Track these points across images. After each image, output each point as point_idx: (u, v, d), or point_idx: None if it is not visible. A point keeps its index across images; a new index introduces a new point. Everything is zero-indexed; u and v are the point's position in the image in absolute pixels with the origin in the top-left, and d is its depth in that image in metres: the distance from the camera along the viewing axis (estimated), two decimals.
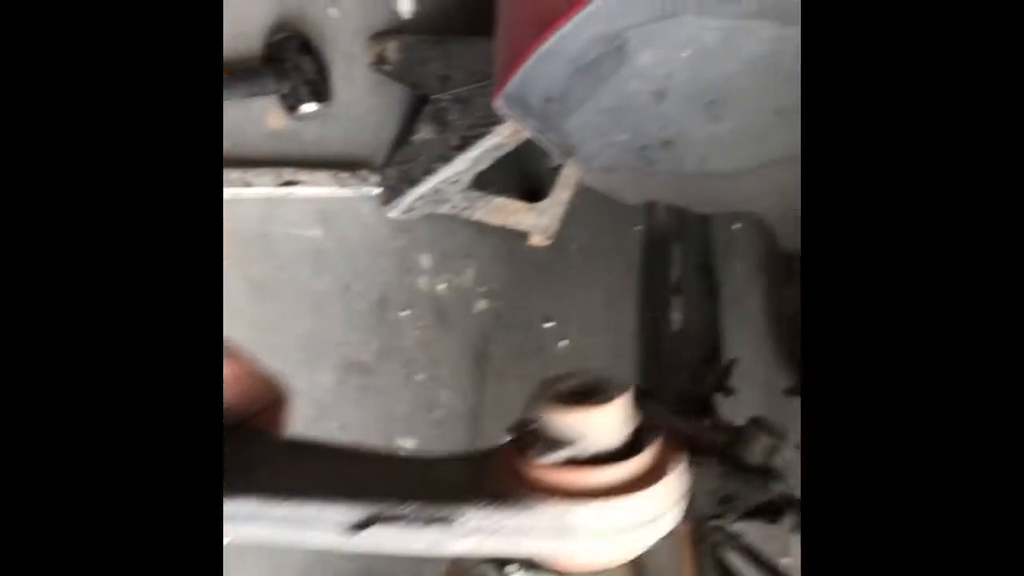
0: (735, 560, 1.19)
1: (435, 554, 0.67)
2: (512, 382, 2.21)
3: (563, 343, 2.33)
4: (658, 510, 0.63)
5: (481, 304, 2.21)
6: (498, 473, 0.68)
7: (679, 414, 1.22)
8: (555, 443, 0.64)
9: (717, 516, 1.16)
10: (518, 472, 0.65)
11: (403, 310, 2.05)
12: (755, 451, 1.18)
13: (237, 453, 0.67)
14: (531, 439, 0.65)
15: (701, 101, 1.48)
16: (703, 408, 1.41)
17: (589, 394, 0.69)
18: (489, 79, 2.15)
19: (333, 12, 2.04)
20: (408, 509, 0.65)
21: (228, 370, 0.68)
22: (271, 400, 0.73)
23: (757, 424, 1.20)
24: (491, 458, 0.70)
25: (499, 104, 1.47)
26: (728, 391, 1.43)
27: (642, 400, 1.23)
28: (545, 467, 0.64)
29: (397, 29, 2.13)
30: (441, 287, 2.13)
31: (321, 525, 0.66)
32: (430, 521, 0.66)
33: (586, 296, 2.41)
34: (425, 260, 2.12)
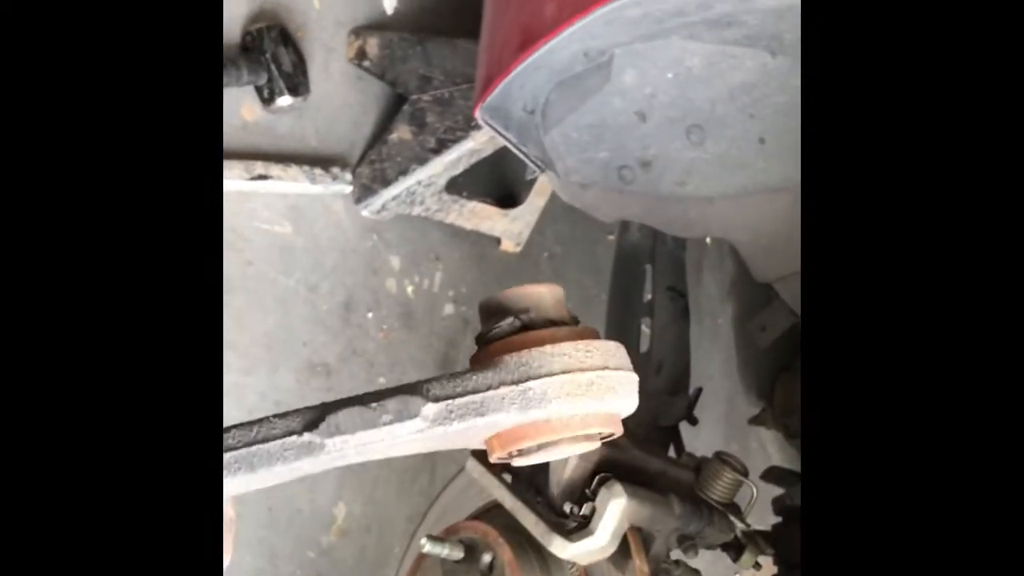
0: None
1: (404, 436, 0.65)
2: None
3: None
4: (604, 361, 0.65)
5: (448, 308, 2.19)
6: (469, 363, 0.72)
7: (643, 446, 1.21)
8: (510, 314, 0.68)
9: (679, 550, 1.15)
10: (483, 355, 0.68)
11: (369, 311, 2.02)
12: (718, 488, 1.17)
13: None
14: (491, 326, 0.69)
15: (683, 124, 1.46)
16: (668, 437, 1.40)
17: None
18: (469, 82, 2.12)
19: (315, 2, 1.99)
20: (361, 396, 0.66)
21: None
22: None
23: (721, 460, 1.19)
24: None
25: (479, 115, 1.44)
26: (693, 421, 1.42)
27: None
28: (505, 336, 0.67)
29: (379, 25, 2.09)
30: (409, 289, 2.11)
31: (277, 434, 0.64)
32: (392, 395, 0.65)
33: None
34: (394, 261, 2.09)
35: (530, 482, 1.16)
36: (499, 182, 2.24)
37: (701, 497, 1.16)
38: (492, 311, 0.69)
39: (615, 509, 1.05)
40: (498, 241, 2.24)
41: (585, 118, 1.51)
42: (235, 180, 1.82)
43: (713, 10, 1.21)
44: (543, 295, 0.71)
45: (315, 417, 0.66)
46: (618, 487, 1.06)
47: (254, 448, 0.63)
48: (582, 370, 0.65)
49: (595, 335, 0.70)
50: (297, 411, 0.67)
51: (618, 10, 1.11)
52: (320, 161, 1.96)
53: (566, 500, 1.09)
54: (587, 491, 1.08)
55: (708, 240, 2.66)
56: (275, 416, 0.67)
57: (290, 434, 0.65)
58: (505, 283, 2.28)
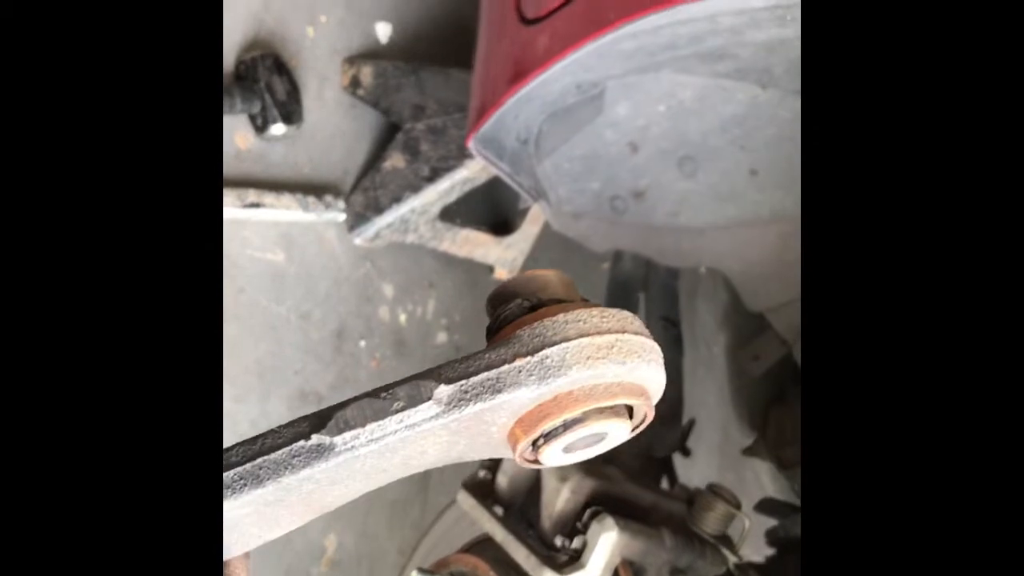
0: None
1: (419, 424, 0.60)
2: None
3: None
4: (622, 326, 0.61)
5: (441, 336, 2.18)
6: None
7: (635, 478, 1.20)
8: (519, 296, 0.65)
9: None
10: (495, 339, 0.64)
11: (362, 339, 2.01)
12: (710, 521, 1.16)
13: None
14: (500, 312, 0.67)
15: (675, 156, 1.47)
16: (661, 469, 1.39)
17: None
18: (463, 111, 2.14)
19: (310, 31, 2.01)
20: (371, 390, 0.61)
21: None
22: None
23: (713, 492, 1.18)
24: None
25: (472, 145, 1.45)
26: (686, 452, 1.41)
27: (599, 463, 1.21)
28: (516, 317, 0.64)
29: (373, 53, 2.10)
30: (402, 317, 2.10)
31: (283, 442, 0.58)
32: (404, 383, 0.61)
33: None
34: (387, 289, 2.08)
35: (521, 515, 1.15)
36: (493, 210, 2.25)
37: (693, 530, 1.16)
38: (501, 299, 0.65)
39: (607, 543, 1.04)
40: (491, 269, 2.24)
41: (577, 149, 1.52)
42: (228, 208, 1.82)
43: (705, 44, 1.22)
44: (551, 277, 0.68)
45: (322, 417, 0.61)
46: (609, 520, 1.05)
47: (259, 460, 0.59)
48: (600, 333, 0.61)
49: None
50: (304, 417, 0.62)
51: (611, 44, 1.12)
52: (313, 189, 1.97)
53: (557, 533, 1.09)
54: (578, 524, 1.07)
55: (703, 269, 2.66)
56: (280, 426, 0.62)
57: (297, 439, 0.59)
58: None
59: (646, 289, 1.66)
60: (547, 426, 0.61)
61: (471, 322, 2.23)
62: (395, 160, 2.01)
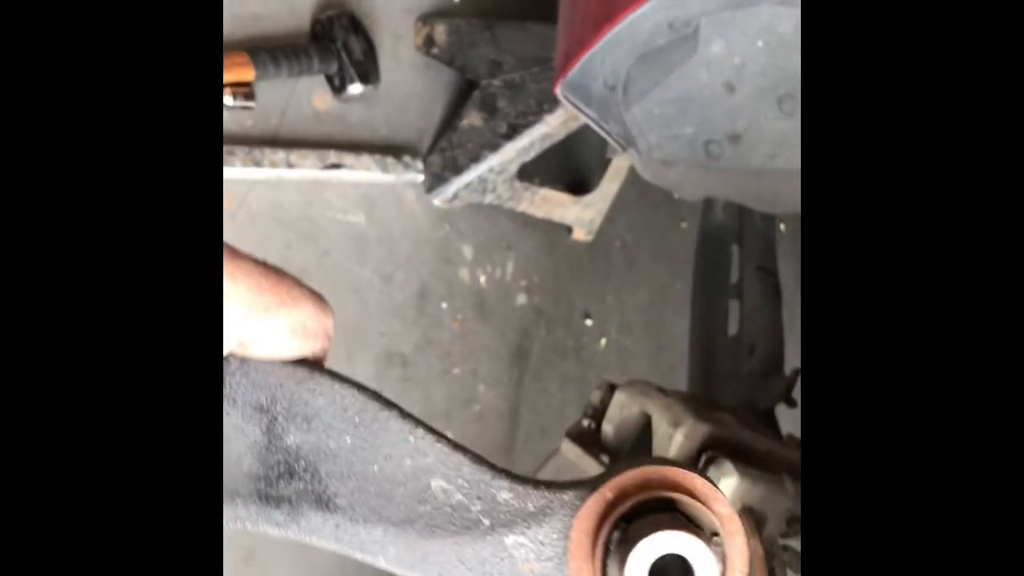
0: None
1: None
2: (550, 381, 2.14)
3: (603, 341, 2.26)
4: None
5: (521, 298, 2.15)
6: None
7: (749, 425, 1.15)
8: None
9: (787, 536, 1.09)
10: None
11: (443, 301, 1.99)
12: None
13: None
14: None
15: (774, 94, 1.41)
16: (765, 422, 1.34)
17: None
18: (541, 66, 2.09)
19: None
20: None
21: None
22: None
23: None
24: None
25: (560, 91, 1.40)
26: (792, 403, 1.35)
27: (711, 410, 1.17)
28: None
29: (446, 11, 2.06)
30: (482, 279, 2.07)
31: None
32: None
33: (628, 295, 2.34)
34: (467, 251, 2.05)
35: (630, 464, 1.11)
36: (570, 169, 2.20)
37: None
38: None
39: (726, 489, 1.00)
40: (569, 230, 2.20)
41: (669, 92, 1.46)
42: (309, 169, 1.80)
43: None
44: None
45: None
46: (728, 465, 1.01)
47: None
48: None
49: None
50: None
51: None
52: (391, 150, 1.94)
53: None
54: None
55: (782, 227, 2.59)
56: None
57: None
58: (577, 273, 2.24)
59: (740, 239, 1.60)
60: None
61: (550, 285, 2.19)
62: (472, 119, 1.97)
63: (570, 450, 1.15)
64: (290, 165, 1.77)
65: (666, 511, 0.47)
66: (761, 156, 1.45)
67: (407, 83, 1.99)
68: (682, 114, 1.46)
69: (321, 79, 1.86)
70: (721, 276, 1.60)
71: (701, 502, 0.47)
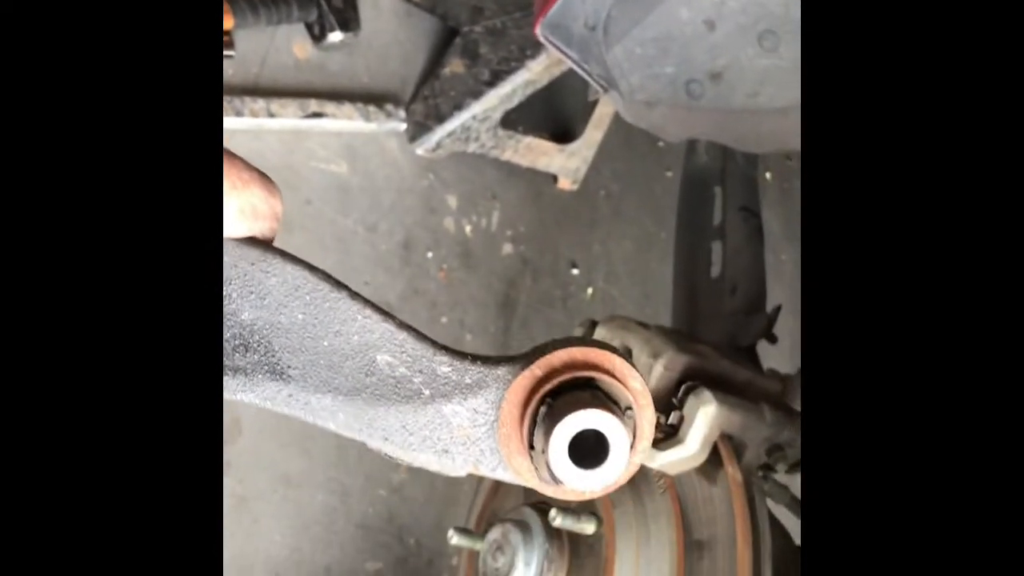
0: (783, 512, 1.14)
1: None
2: (537, 330, 2.15)
3: (589, 290, 2.27)
4: None
5: (507, 248, 2.15)
6: None
7: (729, 356, 1.16)
8: None
9: (767, 466, 1.10)
10: None
11: (428, 251, 1.99)
12: None
13: None
14: None
15: (755, 30, 1.40)
16: (747, 358, 1.35)
17: None
18: (522, 11, 2.07)
19: None
20: None
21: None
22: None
23: None
24: None
25: (539, 31, 1.39)
26: (773, 339, 1.36)
27: (692, 343, 1.18)
28: None
29: None
30: (467, 228, 2.07)
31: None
32: None
33: (614, 244, 2.35)
34: (451, 200, 2.05)
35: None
36: (554, 116, 2.19)
37: (790, 407, 1.12)
38: None
39: (705, 416, 1.01)
40: (555, 179, 2.20)
41: (649, 31, 1.45)
42: (290, 118, 1.79)
43: None
44: None
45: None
46: (707, 394, 1.02)
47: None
48: None
49: None
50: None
51: None
52: (373, 98, 1.93)
53: None
54: (674, 400, 1.04)
55: (768, 175, 2.58)
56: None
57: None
58: (563, 222, 2.24)
59: (723, 181, 1.60)
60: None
61: (536, 234, 2.19)
62: (454, 66, 1.95)
63: None
64: (271, 114, 1.76)
65: (588, 388, 0.52)
66: (742, 95, 1.44)
67: (388, 31, 1.97)
68: (663, 53, 1.45)
69: (301, 27, 1.84)
70: (704, 218, 1.60)
71: (619, 380, 0.52)
